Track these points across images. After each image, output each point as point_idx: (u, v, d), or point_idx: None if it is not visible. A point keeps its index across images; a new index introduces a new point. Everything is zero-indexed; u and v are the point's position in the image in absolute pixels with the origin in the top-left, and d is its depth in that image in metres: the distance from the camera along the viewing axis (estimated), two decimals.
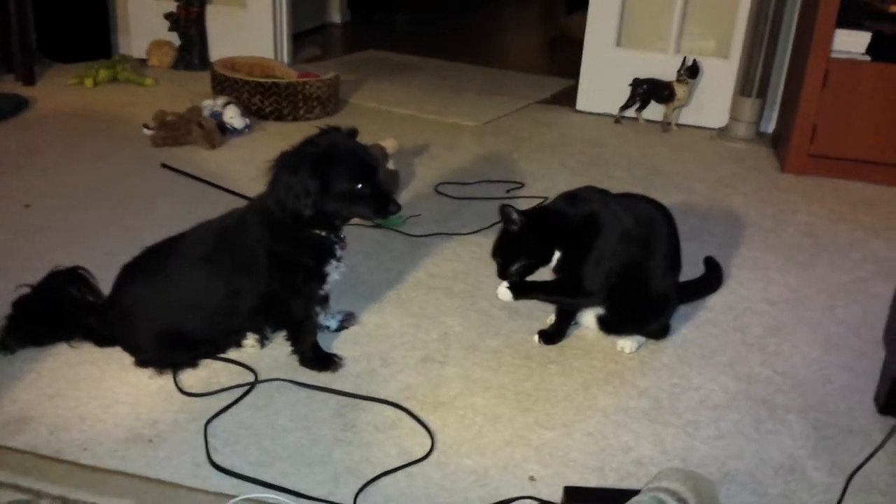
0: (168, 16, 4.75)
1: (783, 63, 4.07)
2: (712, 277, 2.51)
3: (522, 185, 3.32)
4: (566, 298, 2.16)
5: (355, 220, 2.13)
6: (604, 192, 2.14)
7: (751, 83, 3.95)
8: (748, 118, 4.02)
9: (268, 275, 1.95)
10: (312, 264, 1.98)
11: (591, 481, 1.72)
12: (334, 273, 2.04)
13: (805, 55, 3.54)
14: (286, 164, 1.90)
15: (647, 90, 4.17)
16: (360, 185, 1.91)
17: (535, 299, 2.17)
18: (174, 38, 4.83)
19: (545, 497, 1.65)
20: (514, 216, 2.03)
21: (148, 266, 2.02)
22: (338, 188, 1.89)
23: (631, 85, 4.19)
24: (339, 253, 2.02)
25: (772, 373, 2.15)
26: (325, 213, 1.92)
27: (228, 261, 1.97)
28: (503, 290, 2.09)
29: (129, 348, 2.02)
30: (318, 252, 1.99)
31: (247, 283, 1.97)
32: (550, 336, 2.21)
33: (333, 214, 1.94)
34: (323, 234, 1.97)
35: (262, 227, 1.94)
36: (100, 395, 1.90)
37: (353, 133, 2.02)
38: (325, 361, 2.04)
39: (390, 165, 3.20)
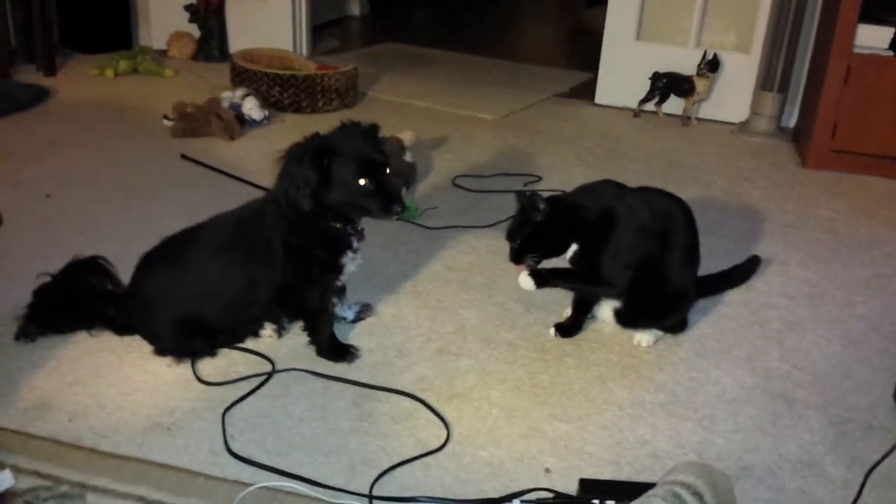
0: (188, 7, 4.77)
1: (805, 57, 4.03)
2: (740, 271, 2.50)
3: (540, 179, 3.31)
4: (588, 287, 2.16)
5: None
6: (620, 186, 2.13)
7: (772, 78, 3.92)
8: (769, 113, 3.98)
9: (283, 265, 1.96)
10: (327, 255, 1.99)
11: (607, 474, 1.72)
12: (350, 264, 2.04)
13: (827, 50, 3.51)
14: (292, 155, 1.91)
15: (666, 84, 4.15)
16: (362, 181, 1.88)
17: (556, 287, 2.16)
18: (194, 30, 4.85)
19: (560, 489, 1.65)
20: (541, 206, 2.01)
21: (167, 255, 2.03)
22: (339, 182, 1.88)
23: (651, 79, 4.16)
24: (355, 245, 2.02)
25: (790, 368, 2.14)
26: (328, 206, 1.91)
27: (246, 250, 1.98)
28: (525, 279, 2.08)
29: (148, 337, 2.04)
30: (333, 243, 1.99)
31: (263, 273, 1.98)
32: (567, 329, 2.21)
33: (337, 208, 1.93)
34: (338, 225, 1.98)
35: (278, 217, 1.94)
36: (119, 383, 1.91)
37: (373, 128, 2.00)
38: (341, 352, 2.05)
39: (408, 158, 3.20)
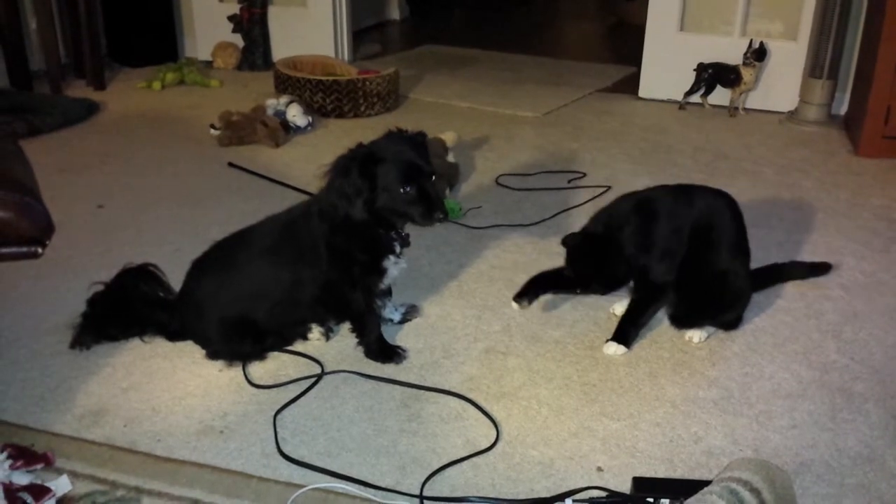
0: (231, 18, 4.85)
1: (854, 43, 3.93)
2: (803, 268, 2.48)
3: (584, 175, 3.28)
4: (653, 307, 2.14)
5: None
6: (636, 194, 2.15)
7: (821, 65, 3.83)
8: (819, 100, 3.89)
9: (327, 265, 1.98)
10: (368, 258, 1.99)
11: (660, 472, 1.69)
12: (393, 268, 2.04)
13: (878, 34, 3.41)
14: (339, 168, 1.92)
15: (712, 75, 4.08)
16: (406, 188, 1.89)
17: (640, 329, 2.16)
18: (238, 40, 4.92)
19: (613, 488, 1.63)
20: (595, 290, 2.12)
21: (216, 259, 2.06)
22: (383, 188, 1.89)
23: (695, 70, 4.10)
24: (398, 249, 2.03)
25: (848, 360, 2.08)
26: (374, 212, 1.92)
27: (292, 251, 2.00)
28: (611, 347, 2.10)
29: (199, 341, 2.07)
30: (375, 247, 1.99)
31: (308, 273, 1.99)
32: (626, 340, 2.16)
33: (384, 214, 1.94)
34: (381, 231, 1.98)
35: (321, 220, 1.96)
36: (172, 388, 1.94)
37: (419, 135, 2.01)
38: (388, 354, 2.05)
39: (450, 158, 3.20)
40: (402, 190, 1.89)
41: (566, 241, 2.11)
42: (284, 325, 2.08)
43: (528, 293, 2.18)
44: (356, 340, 2.08)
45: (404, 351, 2.07)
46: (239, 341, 2.02)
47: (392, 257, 2.02)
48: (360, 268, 1.99)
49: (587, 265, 2.08)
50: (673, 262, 2.05)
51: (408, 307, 2.25)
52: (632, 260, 2.05)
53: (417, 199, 1.91)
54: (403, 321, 2.22)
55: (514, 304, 2.17)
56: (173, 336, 2.10)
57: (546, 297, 2.35)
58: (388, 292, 2.16)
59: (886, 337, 2.19)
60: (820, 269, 2.48)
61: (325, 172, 1.96)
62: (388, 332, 2.15)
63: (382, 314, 2.19)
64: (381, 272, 2.03)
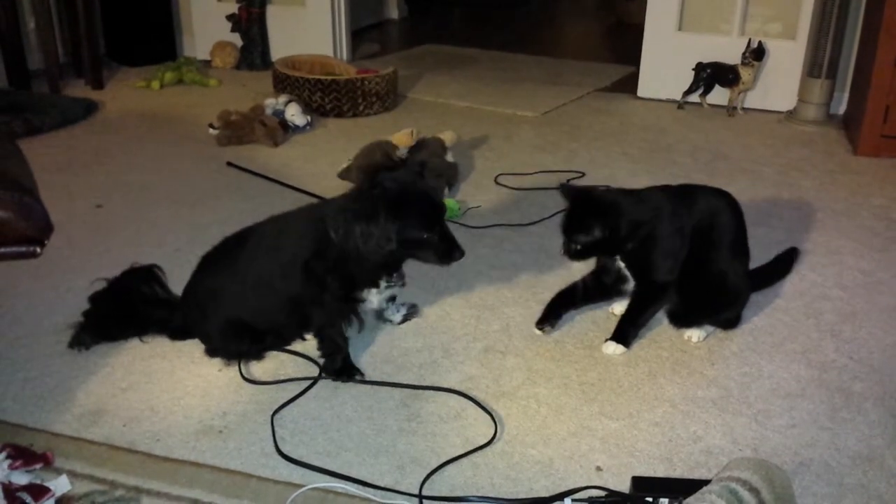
0: (230, 17, 4.84)
1: (853, 42, 3.93)
2: (781, 264, 2.44)
3: (583, 175, 3.28)
4: (654, 307, 2.13)
5: None
6: (664, 188, 2.12)
7: (819, 64, 3.83)
8: (817, 100, 3.89)
9: (301, 280, 1.93)
10: (350, 285, 1.95)
11: (659, 472, 1.69)
12: (375, 298, 2.01)
13: (876, 33, 3.42)
14: (363, 213, 1.83)
15: (711, 74, 4.09)
16: (429, 234, 1.88)
17: (640, 329, 2.15)
18: (236, 39, 4.92)
19: (612, 487, 1.63)
20: (597, 233, 1.98)
21: (218, 256, 2.06)
22: (409, 236, 1.86)
23: (694, 69, 4.10)
24: (383, 286, 2.00)
25: (847, 360, 2.08)
26: (389, 254, 1.89)
27: (273, 259, 1.98)
28: (610, 346, 2.09)
29: (200, 337, 2.07)
30: (352, 281, 1.95)
31: (281, 284, 1.96)
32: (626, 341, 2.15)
33: (399, 256, 1.94)
34: (381, 271, 1.96)
35: (311, 239, 1.92)
36: (171, 388, 1.94)
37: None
38: (348, 373, 1.98)
39: (449, 158, 3.20)
40: (425, 235, 1.88)
41: (566, 187, 2.08)
42: (279, 327, 2.07)
43: (549, 317, 2.17)
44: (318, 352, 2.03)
45: (362, 375, 2.00)
46: (237, 340, 2.01)
47: (373, 290, 1.99)
48: (336, 292, 1.94)
49: (582, 218, 2.03)
50: (676, 261, 2.04)
51: (409, 307, 2.25)
52: (622, 241, 2.02)
53: (438, 243, 1.90)
54: (404, 321, 2.22)
55: (538, 331, 2.16)
56: (175, 334, 2.10)
57: (544, 296, 2.35)
58: (392, 298, 2.16)
59: (885, 336, 2.19)
60: (791, 254, 2.47)
61: (338, 212, 1.86)
62: (387, 330, 2.15)
63: (384, 315, 2.19)
64: (354, 301, 1.99)
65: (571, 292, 2.20)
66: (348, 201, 1.90)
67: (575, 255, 2.04)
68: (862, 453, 1.75)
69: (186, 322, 2.08)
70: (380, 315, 2.20)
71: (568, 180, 3.22)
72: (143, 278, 2.16)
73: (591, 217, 2.00)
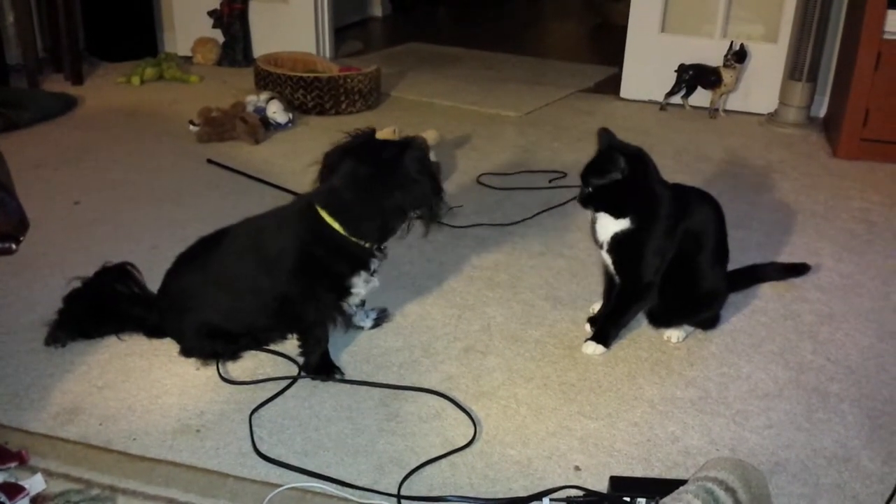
0: (212, 13, 4.81)
1: (834, 45, 3.96)
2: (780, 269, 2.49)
3: (565, 175, 3.28)
4: (637, 305, 2.12)
5: None
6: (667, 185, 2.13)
7: (800, 67, 3.86)
8: (798, 103, 3.92)
9: (289, 276, 1.92)
10: (341, 271, 1.95)
11: (637, 472, 1.70)
12: (362, 287, 2.00)
13: (856, 37, 3.45)
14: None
15: (693, 76, 4.10)
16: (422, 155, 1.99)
17: (620, 330, 2.15)
18: (218, 35, 4.89)
19: (590, 487, 1.63)
20: (622, 165, 1.99)
21: (193, 256, 2.04)
22: (413, 157, 1.94)
23: (676, 71, 4.12)
24: (373, 266, 1.99)
25: (824, 361, 2.10)
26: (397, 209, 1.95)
27: (256, 259, 1.96)
28: (590, 346, 2.10)
29: (175, 336, 2.05)
30: (352, 261, 1.95)
31: (266, 283, 1.95)
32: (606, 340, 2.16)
33: (403, 208, 1.96)
34: (366, 244, 1.95)
35: (306, 227, 1.92)
36: (148, 387, 1.93)
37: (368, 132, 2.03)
38: (327, 371, 1.98)
39: (432, 157, 3.19)
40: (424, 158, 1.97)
41: (605, 131, 2.10)
42: (254, 330, 2.05)
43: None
44: (299, 349, 2.02)
45: (342, 374, 2.00)
46: (210, 340, 2.00)
47: (364, 273, 1.98)
48: (328, 280, 1.94)
49: (603, 161, 2.04)
50: (663, 262, 2.04)
51: (378, 312, 2.22)
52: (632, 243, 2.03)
53: (430, 180, 1.96)
54: (375, 326, 2.20)
55: (599, 350, 2.11)
56: (151, 332, 2.08)
57: (524, 296, 2.36)
58: (361, 304, 2.14)
59: (862, 338, 2.21)
60: (798, 270, 2.50)
61: (346, 186, 1.91)
62: (362, 335, 2.14)
63: (353, 321, 2.16)
64: (347, 288, 1.97)
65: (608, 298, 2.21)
66: (339, 177, 1.91)
67: (586, 199, 2.04)
68: (838, 454, 1.76)
69: (162, 321, 2.06)
70: (349, 322, 2.14)
71: (550, 180, 3.23)
72: (117, 277, 2.13)
73: (612, 161, 2.00)
